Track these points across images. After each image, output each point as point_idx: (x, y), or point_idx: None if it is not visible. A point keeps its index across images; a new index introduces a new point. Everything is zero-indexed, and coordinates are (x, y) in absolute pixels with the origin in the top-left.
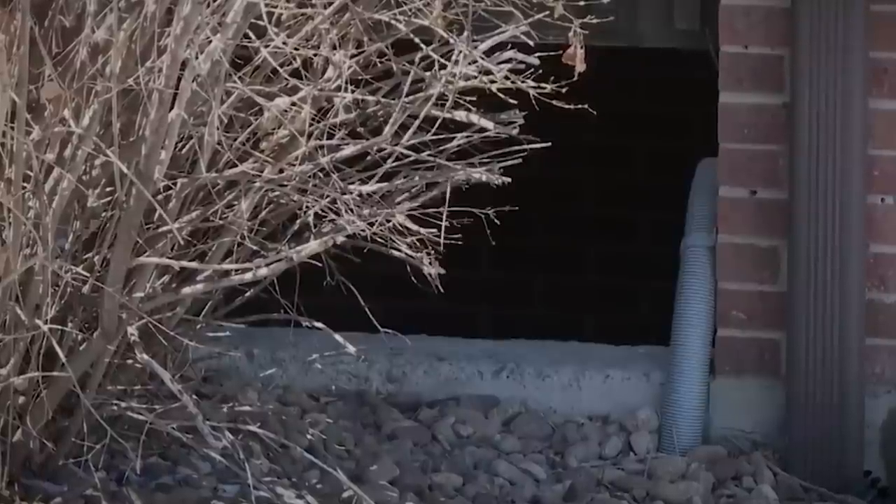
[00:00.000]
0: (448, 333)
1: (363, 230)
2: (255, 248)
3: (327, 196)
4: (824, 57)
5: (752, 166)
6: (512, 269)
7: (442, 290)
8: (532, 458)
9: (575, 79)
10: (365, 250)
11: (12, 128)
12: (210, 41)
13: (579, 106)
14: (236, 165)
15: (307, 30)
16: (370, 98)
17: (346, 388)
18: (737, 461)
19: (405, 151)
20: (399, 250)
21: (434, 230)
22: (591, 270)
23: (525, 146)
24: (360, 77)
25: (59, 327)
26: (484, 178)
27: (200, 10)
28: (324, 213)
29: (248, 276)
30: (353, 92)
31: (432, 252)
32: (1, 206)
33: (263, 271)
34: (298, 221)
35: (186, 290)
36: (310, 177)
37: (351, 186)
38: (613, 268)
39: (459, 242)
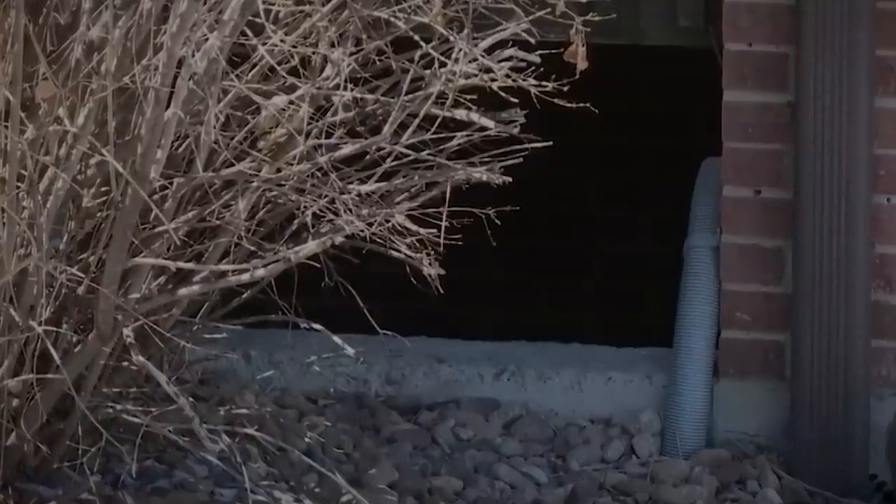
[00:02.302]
0: (448, 335)
1: (362, 230)
2: (252, 248)
3: (326, 196)
4: (829, 55)
5: (756, 166)
6: (513, 269)
7: (442, 291)
8: (533, 462)
9: (576, 77)
10: (364, 251)
11: (6, 126)
12: (207, 39)
13: (581, 104)
14: (233, 165)
15: (305, 27)
16: (369, 96)
17: (345, 390)
18: (741, 464)
19: (405, 150)
20: (398, 251)
21: (434, 230)
22: (593, 271)
23: (526, 145)
24: (358, 75)
25: (54, 329)
26: (484, 178)
27: (197, 7)
28: (322, 213)
29: (246, 276)
30: (351, 90)
31: (432, 252)
32: None
33: (261, 272)
34: (296, 221)
35: (183, 291)
36: (308, 176)
37: (350, 186)
38: (615, 268)
39: (459, 243)
